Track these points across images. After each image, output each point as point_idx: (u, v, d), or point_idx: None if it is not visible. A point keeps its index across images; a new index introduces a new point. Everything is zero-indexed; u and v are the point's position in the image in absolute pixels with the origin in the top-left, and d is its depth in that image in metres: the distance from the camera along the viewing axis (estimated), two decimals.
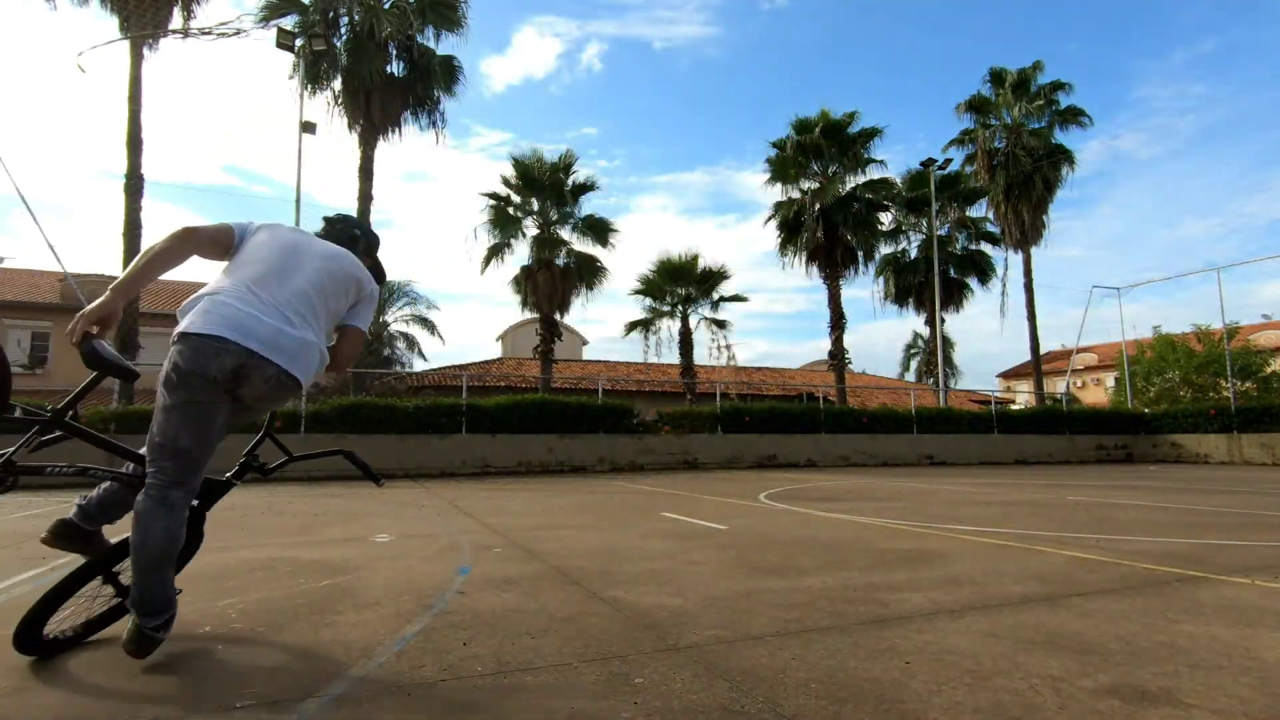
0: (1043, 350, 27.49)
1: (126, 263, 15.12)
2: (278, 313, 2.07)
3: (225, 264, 2.21)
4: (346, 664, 2.07)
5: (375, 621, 2.55)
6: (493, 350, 30.48)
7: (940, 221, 24.62)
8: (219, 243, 2.20)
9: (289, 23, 17.67)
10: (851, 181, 23.14)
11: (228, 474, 2.41)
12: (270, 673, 1.99)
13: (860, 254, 23.35)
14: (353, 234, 2.53)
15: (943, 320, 23.22)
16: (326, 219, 2.59)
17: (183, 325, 1.98)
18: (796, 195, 23.75)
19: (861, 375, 35.33)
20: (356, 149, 18.70)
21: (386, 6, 18.42)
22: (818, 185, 23.18)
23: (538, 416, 14.07)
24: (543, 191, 20.57)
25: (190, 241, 2.12)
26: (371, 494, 8.57)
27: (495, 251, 20.71)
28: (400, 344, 30.80)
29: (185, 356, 1.95)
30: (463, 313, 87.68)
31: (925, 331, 27.35)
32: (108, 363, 1.86)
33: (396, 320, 30.93)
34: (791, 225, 23.56)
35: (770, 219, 24.44)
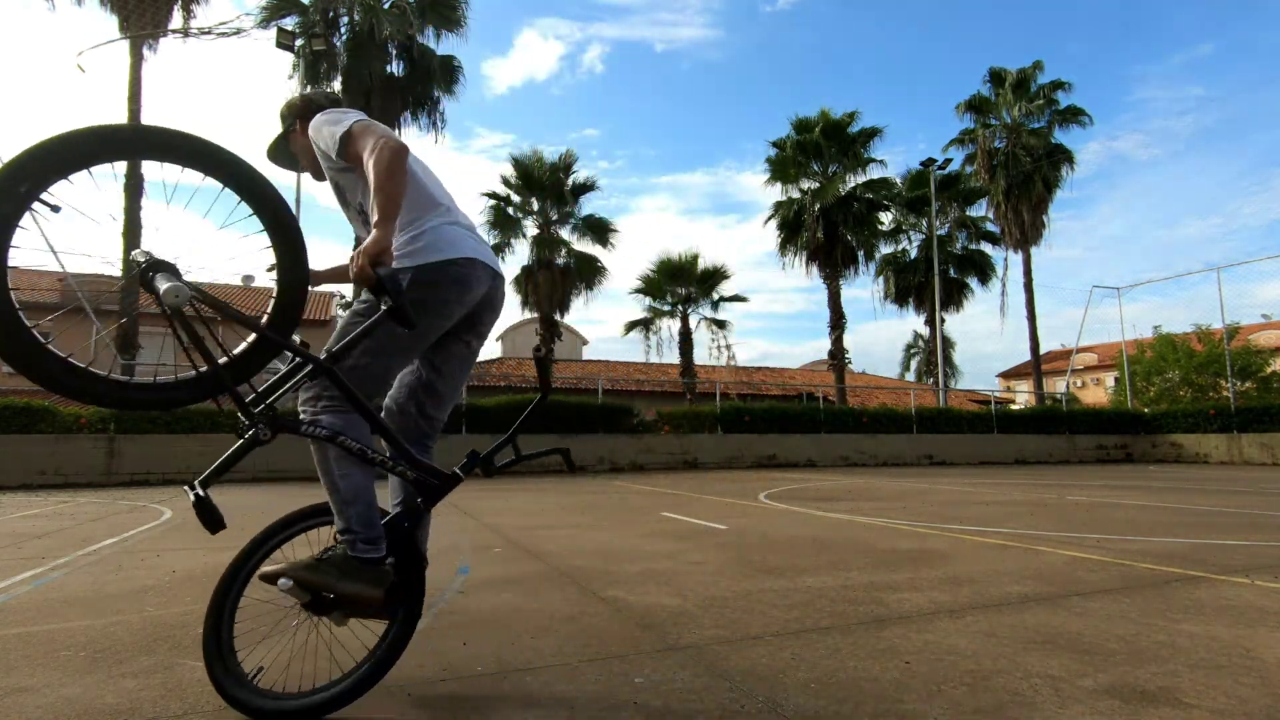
0: (1043, 350, 27.48)
1: (126, 262, 14.93)
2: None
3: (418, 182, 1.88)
4: (347, 664, 2.07)
5: (375, 621, 2.54)
6: (492, 350, 30.47)
7: (940, 221, 24.62)
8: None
9: (289, 23, 17.68)
10: (851, 181, 23.15)
11: (455, 467, 2.07)
12: (270, 673, 1.99)
13: (860, 254, 23.36)
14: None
15: (943, 320, 23.23)
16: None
17: (446, 253, 1.81)
18: (796, 195, 23.76)
19: (861, 375, 35.36)
20: None
21: (386, 6, 18.42)
22: (818, 185, 23.18)
23: (538, 416, 14.07)
24: (543, 191, 20.59)
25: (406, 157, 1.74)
26: None
27: (495, 251, 20.74)
28: None
29: (457, 277, 1.80)
30: None
31: (925, 331, 27.41)
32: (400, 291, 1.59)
33: None
34: (791, 225, 23.57)
35: (770, 219, 24.45)
